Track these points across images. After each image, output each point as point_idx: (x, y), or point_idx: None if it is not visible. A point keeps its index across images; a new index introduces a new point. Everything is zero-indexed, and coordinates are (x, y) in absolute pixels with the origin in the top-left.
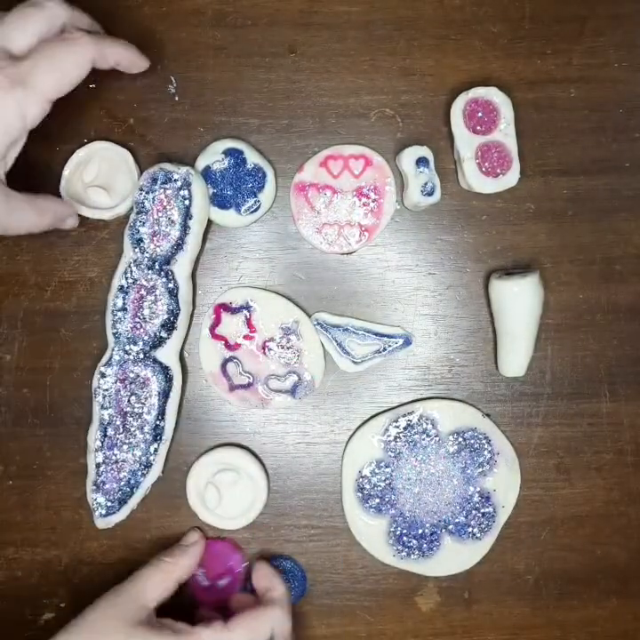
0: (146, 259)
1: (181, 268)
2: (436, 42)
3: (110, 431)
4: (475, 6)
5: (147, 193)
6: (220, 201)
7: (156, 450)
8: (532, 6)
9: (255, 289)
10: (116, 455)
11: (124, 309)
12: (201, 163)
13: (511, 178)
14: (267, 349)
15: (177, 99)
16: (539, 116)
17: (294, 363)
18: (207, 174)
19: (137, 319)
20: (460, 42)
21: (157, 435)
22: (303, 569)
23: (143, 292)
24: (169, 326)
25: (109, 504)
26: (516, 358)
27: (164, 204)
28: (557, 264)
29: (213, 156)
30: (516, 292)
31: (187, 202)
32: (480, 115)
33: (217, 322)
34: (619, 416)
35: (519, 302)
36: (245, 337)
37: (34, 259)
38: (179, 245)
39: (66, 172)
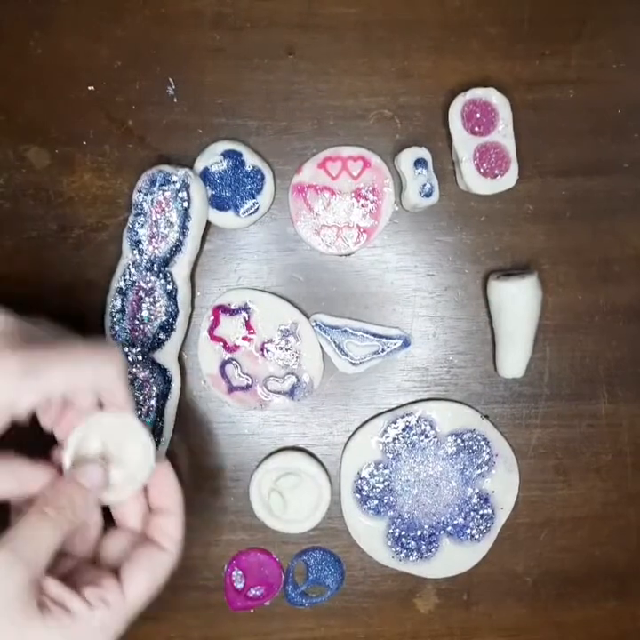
0: (144, 260)
1: (180, 269)
2: (435, 43)
3: None
4: (473, 8)
5: (145, 195)
6: (218, 202)
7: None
8: (530, 8)
9: (254, 290)
10: None
11: (122, 311)
12: (199, 164)
13: (509, 179)
14: (265, 351)
15: (175, 100)
16: (537, 117)
17: (293, 364)
18: (206, 176)
19: (135, 321)
20: (459, 43)
21: (156, 436)
22: (336, 555)
23: (142, 293)
24: (167, 328)
25: None
26: (514, 359)
27: (163, 205)
28: (556, 265)
29: (212, 157)
30: (514, 293)
31: (185, 203)
32: (478, 116)
33: (216, 323)
34: (617, 417)
35: (518, 303)
36: (244, 338)
37: (33, 261)
38: (177, 247)
39: (67, 461)
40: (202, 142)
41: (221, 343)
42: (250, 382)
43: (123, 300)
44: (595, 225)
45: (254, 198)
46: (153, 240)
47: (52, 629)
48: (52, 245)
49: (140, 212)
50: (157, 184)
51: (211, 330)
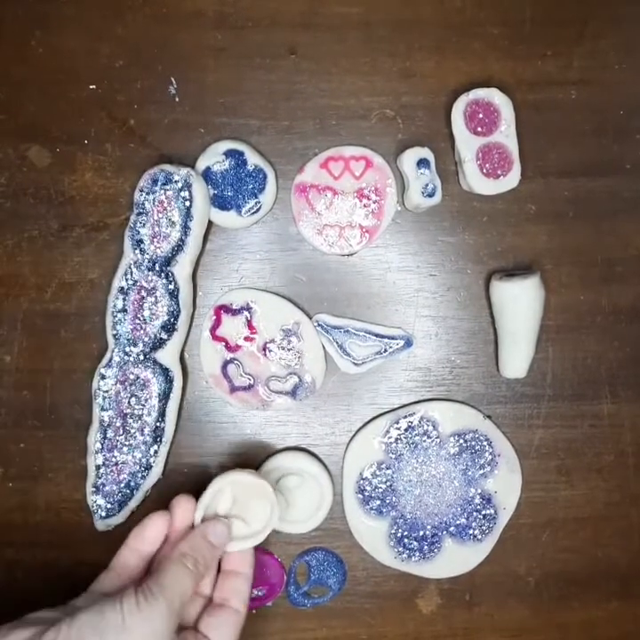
0: (146, 260)
1: (182, 269)
2: (437, 43)
3: (110, 433)
4: (475, 8)
5: (147, 194)
6: (220, 202)
7: (156, 452)
8: (532, 8)
9: (256, 290)
10: (115, 457)
11: (124, 311)
12: (201, 164)
13: (512, 179)
14: (267, 351)
15: (177, 100)
16: (539, 118)
17: (295, 364)
18: (208, 175)
19: (137, 320)
20: (461, 43)
21: (157, 436)
22: (338, 556)
23: (143, 293)
24: (169, 328)
25: (109, 506)
26: (516, 360)
27: (165, 205)
28: (558, 265)
29: (214, 157)
30: (516, 293)
31: (187, 203)
32: (481, 116)
33: (217, 323)
34: (620, 418)
35: (520, 304)
36: (246, 338)
37: (34, 260)
38: (179, 246)
39: (200, 509)
40: (204, 142)
41: (223, 343)
42: (252, 382)
43: (124, 300)
44: (597, 225)
45: (256, 198)
46: (155, 239)
47: None
48: (53, 244)
49: (141, 211)
50: (159, 183)
51: (212, 330)
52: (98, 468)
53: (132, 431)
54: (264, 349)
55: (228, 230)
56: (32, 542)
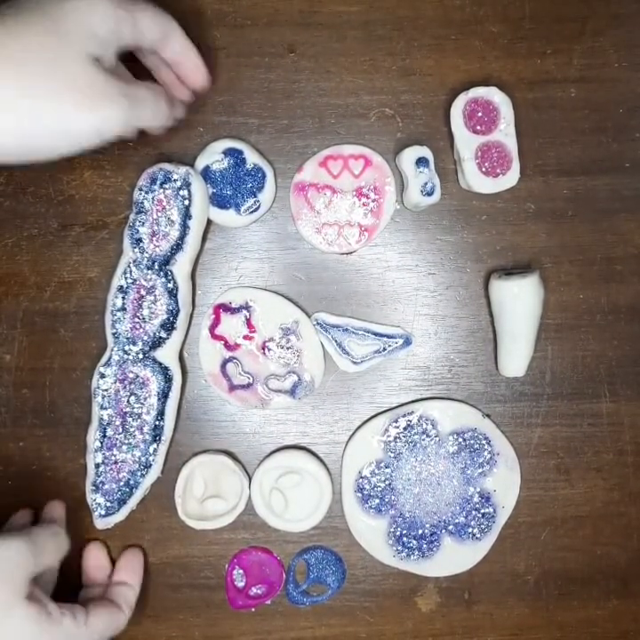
0: (145, 259)
1: (181, 267)
2: (436, 42)
3: (109, 431)
4: (475, 6)
5: (146, 193)
6: (219, 201)
7: (155, 450)
8: (532, 6)
9: (255, 289)
10: (115, 455)
11: (123, 309)
12: (200, 162)
13: (511, 178)
14: (266, 349)
15: None
16: (539, 116)
17: (294, 363)
18: (207, 174)
19: (136, 319)
20: (460, 42)
21: (157, 435)
22: (337, 554)
23: (143, 291)
24: (168, 326)
25: (109, 504)
26: (515, 358)
27: (164, 203)
28: (557, 264)
29: (213, 155)
30: (516, 292)
31: (186, 202)
32: (480, 114)
33: (216, 322)
34: (619, 416)
35: (519, 302)
36: (245, 337)
37: (33, 259)
38: (178, 245)
39: (178, 498)
40: (203, 140)
41: (222, 342)
42: (251, 381)
43: (123, 299)
44: (596, 224)
45: (255, 197)
46: (154, 238)
47: (30, 616)
48: (53, 243)
49: (140, 210)
50: (158, 182)
51: (211, 328)
52: (97, 466)
53: (132, 430)
54: (263, 348)
55: (226, 229)
56: None
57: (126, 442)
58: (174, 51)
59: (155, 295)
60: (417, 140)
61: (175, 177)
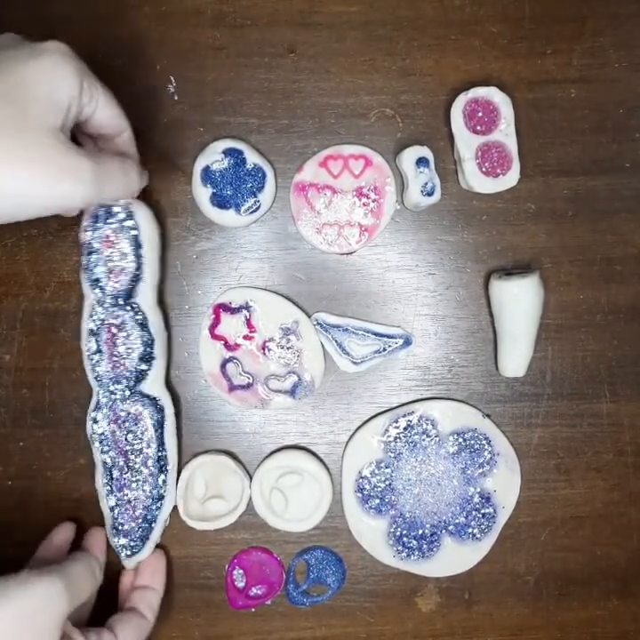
0: (108, 297)
1: (144, 298)
2: (436, 42)
3: (116, 473)
4: (474, 6)
5: (92, 231)
6: (219, 201)
7: (164, 481)
8: (531, 6)
9: (255, 289)
10: (127, 495)
11: (99, 351)
12: (201, 162)
13: (511, 178)
14: (266, 350)
15: (176, 98)
16: (539, 116)
17: (294, 363)
18: (207, 174)
19: (114, 358)
20: (460, 42)
21: (162, 466)
22: (337, 554)
23: (114, 330)
24: (147, 357)
25: (132, 544)
26: (516, 359)
27: (111, 238)
28: (557, 264)
29: (213, 155)
30: (516, 292)
31: (134, 231)
32: (480, 115)
33: (216, 322)
34: (619, 416)
35: (519, 302)
36: (245, 337)
37: (33, 259)
38: (137, 277)
39: (180, 499)
40: (203, 140)
41: (222, 342)
42: (251, 381)
43: (97, 341)
44: (596, 224)
45: (255, 197)
46: (111, 275)
47: None
48: (53, 243)
49: (90, 250)
50: (102, 219)
51: (211, 328)
52: (112, 509)
53: (137, 466)
54: (263, 348)
55: (226, 229)
56: (32, 541)
57: (134, 479)
58: (118, 148)
59: (126, 331)
60: (417, 140)
61: (117, 209)
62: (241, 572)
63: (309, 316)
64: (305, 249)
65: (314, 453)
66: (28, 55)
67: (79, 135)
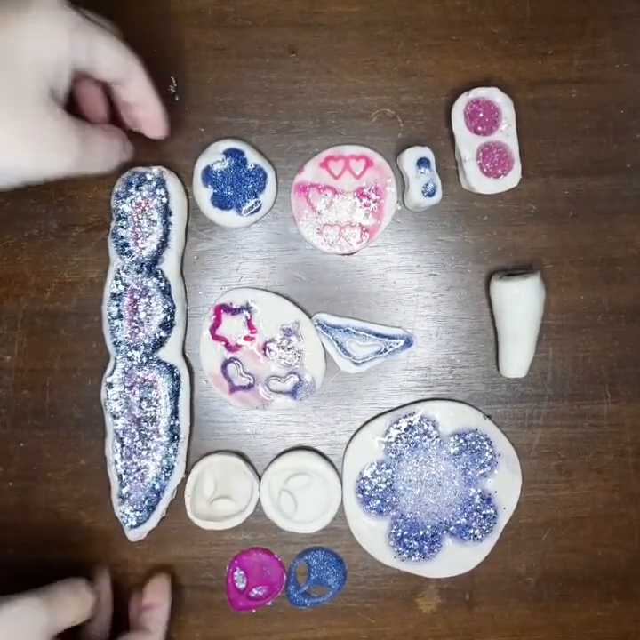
0: (133, 262)
1: (170, 265)
2: (437, 42)
3: (127, 440)
4: (475, 7)
5: (124, 198)
6: (220, 201)
7: (175, 450)
8: (532, 7)
9: (256, 290)
10: (136, 463)
11: (119, 317)
12: (201, 163)
13: (512, 178)
14: (267, 350)
15: (177, 99)
16: (540, 117)
17: (295, 364)
18: (207, 175)
19: (134, 324)
20: (461, 42)
21: (174, 435)
22: (338, 555)
23: (136, 295)
24: (168, 325)
25: (139, 514)
26: (517, 359)
27: (143, 205)
28: (558, 265)
29: (214, 156)
30: (517, 293)
31: (164, 199)
32: (481, 115)
33: (217, 323)
34: (620, 417)
35: (520, 303)
36: (246, 338)
37: (34, 259)
38: (163, 243)
39: (188, 497)
40: (204, 141)
41: (223, 343)
42: (252, 382)
43: (118, 306)
44: (597, 225)
45: (256, 197)
46: (138, 240)
47: None
48: (53, 244)
49: (120, 216)
50: (134, 186)
51: (212, 329)
52: (120, 477)
53: (148, 434)
54: (264, 349)
55: (227, 229)
56: (32, 542)
57: (145, 447)
58: (132, 93)
59: (149, 296)
60: (418, 140)
61: (149, 177)
62: (242, 573)
63: (310, 317)
64: (306, 249)
65: (321, 454)
66: (16, 18)
67: (80, 97)
